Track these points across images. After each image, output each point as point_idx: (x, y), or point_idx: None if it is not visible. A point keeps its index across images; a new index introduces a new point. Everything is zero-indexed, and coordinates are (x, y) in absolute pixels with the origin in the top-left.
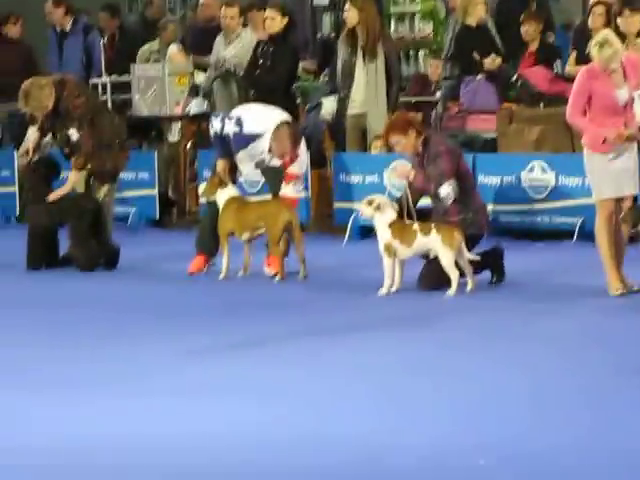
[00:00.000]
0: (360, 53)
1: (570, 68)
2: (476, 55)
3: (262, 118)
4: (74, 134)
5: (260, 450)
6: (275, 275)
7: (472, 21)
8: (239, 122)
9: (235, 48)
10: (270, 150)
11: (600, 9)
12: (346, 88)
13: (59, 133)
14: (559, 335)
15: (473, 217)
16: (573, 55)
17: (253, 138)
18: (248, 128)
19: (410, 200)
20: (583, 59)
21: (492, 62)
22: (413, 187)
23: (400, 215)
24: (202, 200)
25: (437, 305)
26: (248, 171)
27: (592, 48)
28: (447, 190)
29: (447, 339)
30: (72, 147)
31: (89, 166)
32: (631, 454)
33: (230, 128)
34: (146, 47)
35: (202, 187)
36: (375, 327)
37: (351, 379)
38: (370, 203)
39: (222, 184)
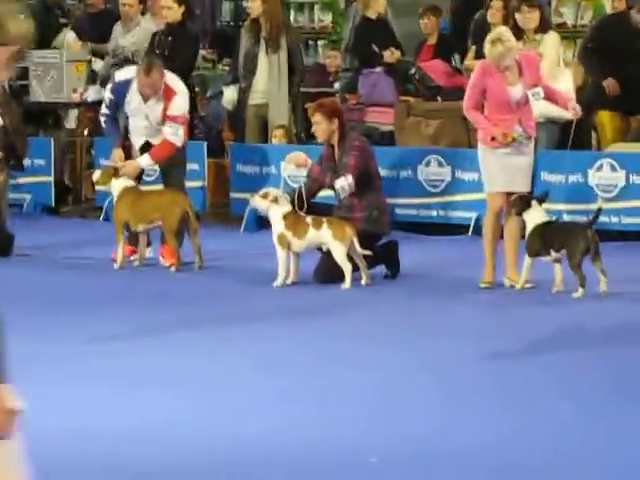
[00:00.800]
0: (263, 44)
1: (468, 62)
2: (375, 48)
3: (128, 67)
4: None
5: (161, 444)
6: (171, 266)
7: (372, 13)
8: (111, 79)
9: (134, 36)
10: (142, 93)
11: (498, 4)
12: (248, 78)
13: None
14: (455, 327)
15: (377, 216)
16: (472, 49)
17: (126, 85)
18: (118, 77)
19: (303, 191)
20: (482, 53)
21: (391, 55)
22: (310, 177)
23: (298, 207)
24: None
25: (331, 297)
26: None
27: (485, 45)
28: (342, 183)
29: (341, 329)
30: None
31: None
32: (549, 453)
33: (107, 90)
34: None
35: (97, 174)
36: (269, 318)
37: (247, 370)
38: (265, 196)
39: (117, 174)
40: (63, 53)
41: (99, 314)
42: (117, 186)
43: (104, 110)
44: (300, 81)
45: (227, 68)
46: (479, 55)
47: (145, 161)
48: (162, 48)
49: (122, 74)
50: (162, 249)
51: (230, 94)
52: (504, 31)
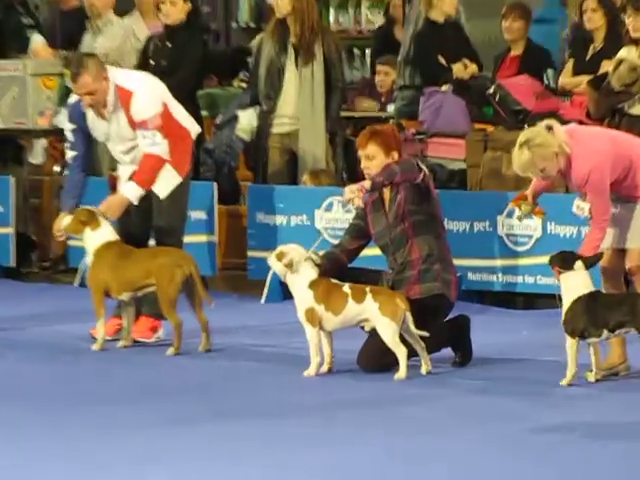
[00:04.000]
0: (292, 52)
1: (565, 80)
2: (442, 60)
3: None
4: None
5: None
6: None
7: (438, 15)
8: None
9: (108, 39)
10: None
11: (592, 3)
12: (271, 98)
13: None
14: (535, 432)
15: (440, 271)
16: (570, 63)
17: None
18: (71, 97)
19: (337, 250)
20: (581, 68)
21: (464, 69)
22: (351, 235)
23: (332, 272)
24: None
25: (380, 390)
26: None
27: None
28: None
29: (394, 430)
30: None
31: None
32: None
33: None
34: None
35: (64, 221)
36: (299, 416)
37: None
38: (280, 257)
39: (93, 222)
40: (27, 64)
41: (72, 414)
42: (94, 240)
43: (68, 151)
44: (341, 102)
45: (244, 85)
46: (578, 70)
47: (131, 191)
48: (158, 58)
49: (74, 95)
50: (135, 324)
51: (247, 120)
52: (537, 132)
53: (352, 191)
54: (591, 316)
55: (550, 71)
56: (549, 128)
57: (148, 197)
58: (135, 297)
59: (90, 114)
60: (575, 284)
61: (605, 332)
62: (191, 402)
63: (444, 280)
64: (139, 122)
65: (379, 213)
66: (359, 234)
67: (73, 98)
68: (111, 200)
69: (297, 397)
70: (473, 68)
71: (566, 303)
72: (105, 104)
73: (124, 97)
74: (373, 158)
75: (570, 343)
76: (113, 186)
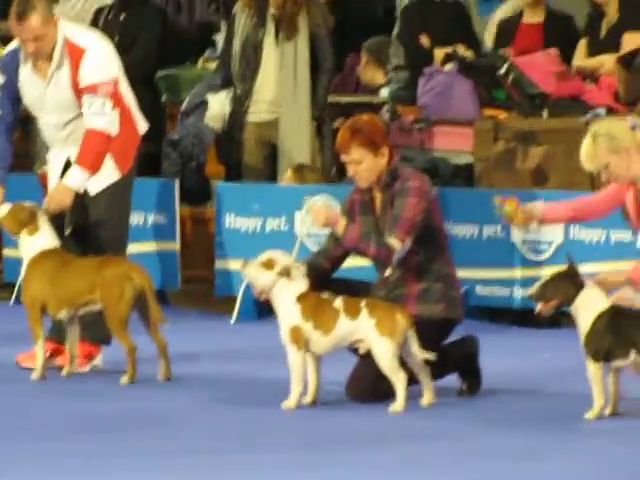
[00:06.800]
0: (271, 25)
1: (580, 62)
2: (425, 39)
3: None
4: None
5: None
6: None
7: None
8: None
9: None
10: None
11: None
12: (247, 80)
13: None
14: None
15: (443, 290)
16: (583, 42)
17: (14, 55)
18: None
19: (321, 260)
20: (596, 49)
21: (443, 55)
22: (332, 238)
23: (315, 284)
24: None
25: (373, 425)
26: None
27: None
28: (399, 256)
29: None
30: None
31: None
32: None
33: None
34: None
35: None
36: (274, 455)
37: None
38: (269, 265)
39: (32, 224)
40: None
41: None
42: (30, 247)
43: None
44: (329, 85)
45: (211, 66)
46: (593, 50)
47: (75, 179)
48: (110, 32)
49: (11, 44)
50: (80, 346)
51: (219, 105)
52: (614, 122)
53: (318, 213)
54: (616, 334)
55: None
56: (633, 127)
57: (77, 194)
58: (76, 315)
59: (26, 69)
60: (592, 298)
61: (633, 353)
62: (147, 437)
63: (449, 299)
64: (88, 86)
65: (368, 217)
66: None
67: (10, 46)
68: (53, 193)
69: (273, 433)
70: (467, 55)
71: (586, 322)
72: (50, 57)
73: (74, 54)
74: (361, 162)
75: (593, 368)
76: (44, 185)
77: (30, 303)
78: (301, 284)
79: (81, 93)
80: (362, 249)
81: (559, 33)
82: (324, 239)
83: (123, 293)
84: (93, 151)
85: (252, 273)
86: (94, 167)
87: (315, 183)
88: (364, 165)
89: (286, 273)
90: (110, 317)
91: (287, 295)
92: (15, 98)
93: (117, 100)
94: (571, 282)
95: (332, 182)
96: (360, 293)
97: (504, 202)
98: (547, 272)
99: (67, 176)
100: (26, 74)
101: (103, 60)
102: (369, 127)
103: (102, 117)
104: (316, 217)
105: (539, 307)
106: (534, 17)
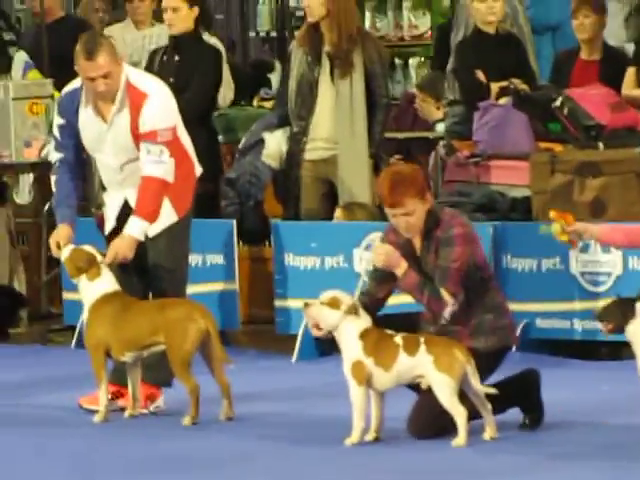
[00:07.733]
0: (326, 63)
1: (629, 92)
2: (481, 75)
3: None
4: None
5: None
6: (188, 419)
7: (487, 25)
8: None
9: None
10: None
11: None
12: (303, 118)
13: None
14: None
15: (494, 320)
16: (631, 71)
17: (74, 95)
18: (65, 90)
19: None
20: None
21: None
22: (398, 284)
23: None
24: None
25: (436, 461)
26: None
27: None
28: (452, 309)
29: None
30: None
31: None
32: None
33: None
34: None
35: (64, 251)
36: None
37: None
38: (334, 304)
39: (92, 269)
40: (9, 86)
41: None
42: (91, 292)
43: (53, 153)
44: (386, 122)
45: (265, 105)
46: None
47: (137, 229)
48: (164, 75)
49: (71, 85)
50: (142, 388)
51: (276, 144)
52: None
53: (380, 253)
54: None
55: None
56: None
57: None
58: (140, 358)
59: (86, 110)
60: None
61: None
62: (211, 477)
63: (501, 328)
64: (147, 132)
65: (409, 259)
66: (386, 278)
67: (68, 87)
68: (116, 244)
69: (336, 472)
70: (522, 88)
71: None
72: (112, 100)
73: (135, 98)
74: (414, 212)
75: None
76: (100, 227)
77: (94, 347)
78: (365, 320)
79: (139, 138)
80: (416, 296)
81: (615, 69)
82: (366, 280)
83: (187, 334)
84: (151, 200)
85: (316, 313)
86: (153, 216)
87: (366, 220)
88: (416, 215)
89: (354, 311)
90: (174, 358)
91: (351, 331)
92: (76, 139)
93: (175, 144)
94: (625, 309)
95: (385, 219)
96: (412, 324)
97: (560, 217)
98: None
99: (128, 227)
100: (86, 115)
101: (164, 108)
102: (415, 176)
103: (160, 165)
104: (377, 257)
105: (601, 328)
106: (592, 54)
